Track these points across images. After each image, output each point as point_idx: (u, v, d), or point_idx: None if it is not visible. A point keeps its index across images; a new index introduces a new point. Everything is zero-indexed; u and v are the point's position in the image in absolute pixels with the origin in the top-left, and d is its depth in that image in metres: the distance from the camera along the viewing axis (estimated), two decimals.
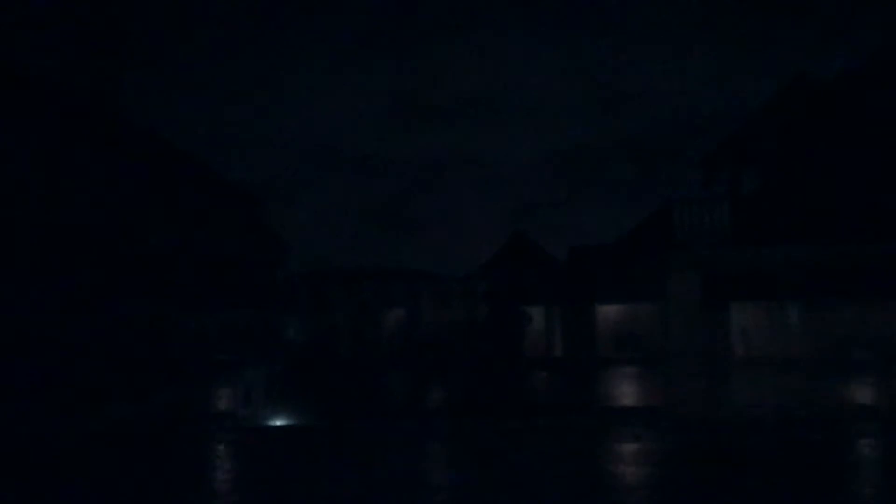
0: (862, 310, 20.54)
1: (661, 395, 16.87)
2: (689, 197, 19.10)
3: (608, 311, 30.85)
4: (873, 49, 27.31)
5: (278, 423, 18.81)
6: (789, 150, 24.37)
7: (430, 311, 40.43)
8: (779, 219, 21.67)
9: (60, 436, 14.70)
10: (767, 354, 21.06)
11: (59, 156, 17.42)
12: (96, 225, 18.50)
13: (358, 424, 16.00)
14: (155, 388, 19.25)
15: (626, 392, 20.47)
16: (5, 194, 15.60)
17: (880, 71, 26.13)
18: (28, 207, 16.20)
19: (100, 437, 14.69)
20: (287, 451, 12.96)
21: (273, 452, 12.97)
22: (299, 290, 41.87)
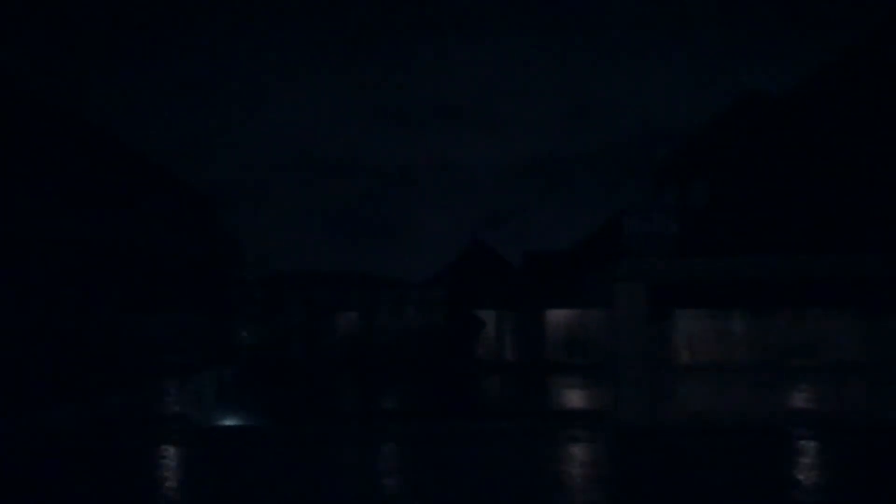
0: (802, 319, 21.20)
1: (606, 399, 17.26)
2: (637, 207, 19.56)
3: (559, 317, 31.30)
4: (819, 67, 28.17)
5: (229, 424, 18.84)
6: (736, 164, 25.07)
7: (385, 316, 40.57)
8: (724, 230, 22.32)
9: None
10: (711, 361, 21.58)
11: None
12: (40, 224, 18.35)
13: (309, 427, 16.11)
14: (103, 390, 19.13)
15: (572, 396, 20.86)
16: None
17: (826, 89, 26.97)
18: None
19: (40, 439, 14.60)
20: (237, 453, 13.04)
21: (224, 454, 13.04)
22: (255, 293, 41.70)
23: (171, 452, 13.11)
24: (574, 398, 20.56)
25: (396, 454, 13.03)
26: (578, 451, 12.60)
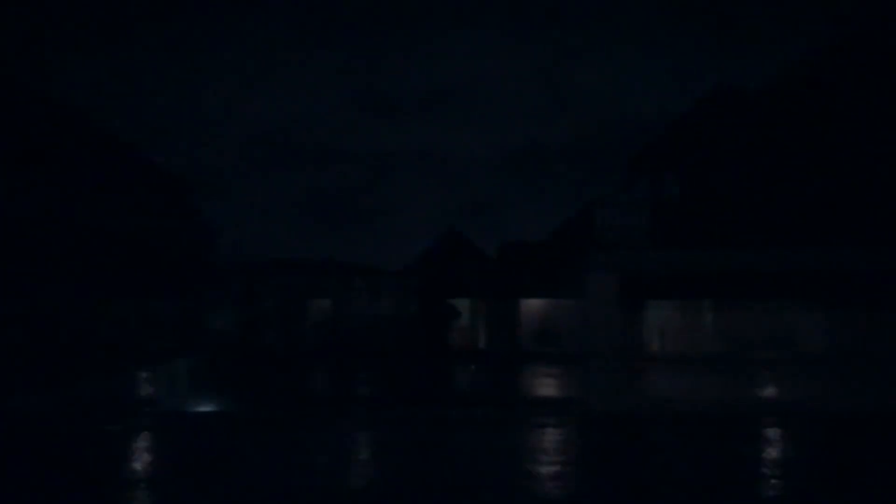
0: (770, 311, 21.55)
1: (578, 388, 17.50)
2: (611, 199, 19.77)
3: (532, 306, 31.54)
4: (793, 62, 28.49)
5: (201, 410, 18.83)
6: (709, 157, 25.35)
7: (359, 304, 40.60)
8: (697, 222, 22.58)
9: None
10: (680, 352, 21.90)
11: None
12: (3, 208, 18.14)
13: (281, 413, 16.18)
14: (74, 377, 19.04)
15: (544, 385, 21.08)
16: None
17: (797, 84, 27.29)
18: None
19: (11, 426, 14.55)
20: (209, 439, 13.09)
21: (196, 440, 13.09)
22: (229, 279, 41.55)
23: (143, 438, 13.14)
24: (546, 387, 20.78)
25: (368, 441, 13.15)
26: (549, 438, 12.79)
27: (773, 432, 13.50)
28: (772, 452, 12.19)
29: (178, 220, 29.32)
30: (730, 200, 24.95)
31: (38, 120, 19.77)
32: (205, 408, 19.21)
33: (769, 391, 17.67)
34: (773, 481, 10.26)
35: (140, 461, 11.44)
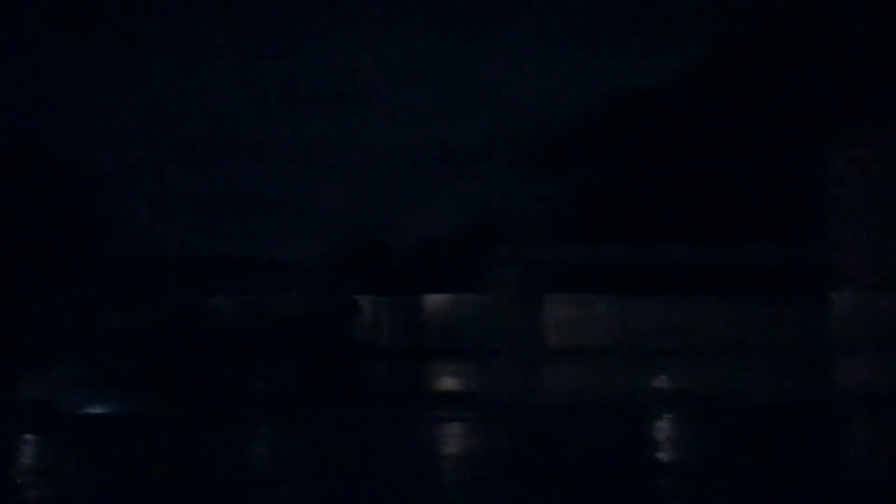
0: (664, 303, 22.28)
1: (479, 381, 17.69)
2: (514, 195, 20.08)
3: (436, 301, 31.68)
4: (697, 63, 29.50)
5: (95, 411, 18.23)
6: (608, 156, 26.03)
7: (263, 300, 39.95)
8: (595, 220, 23.17)
9: None
10: (579, 344, 22.39)
11: None
12: None
13: (181, 412, 15.82)
14: None
15: (447, 379, 21.24)
16: None
17: (691, 86, 28.28)
18: None
19: None
20: (103, 440, 12.71)
21: (89, 440, 12.69)
22: (131, 277, 40.29)
23: (34, 440, 12.66)
24: (449, 381, 20.94)
25: (270, 438, 13.00)
26: (450, 432, 12.89)
27: (665, 421, 13.97)
28: (669, 441, 12.65)
29: (77, 217, 28.28)
30: (629, 198, 25.65)
31: None
32: (101, 409, 18.60)
33: (663, 381, 18.24)
34: (670, 468, 10.63)
35: (30, 463, 11.03)
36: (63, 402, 20.64)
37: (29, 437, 12.95)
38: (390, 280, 32.80)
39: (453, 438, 12.44)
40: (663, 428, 13.61)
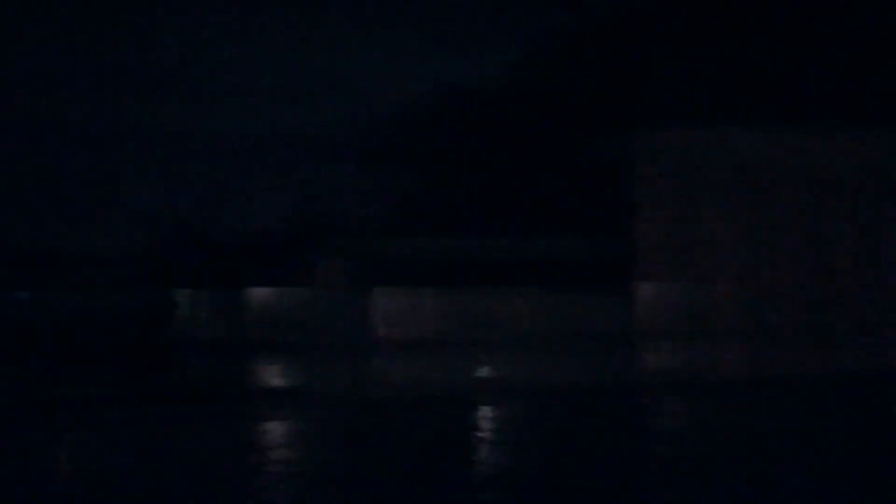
0: (490, 295, 22.99)
1: (308, 376, 17.52)
2: (342, 188, 20.01)
3: (262, 295, 31.05)
4: (521, 61, 30.46)
5: None
6: (433, 151, 26.47)
7: (69, 296, 37.60)
8: (422, 213, 23.52)
9: None
10: (408, 336, 22.66)
11: None
12: None
13: None
14: None
15: (274, 374, 20.89)
16: None
17: (524, 80, 29.24)
18: None
19: None
20: None
21: None
22: None
23: None
24: (276, 376, 20.61)
25: (80, 441, 12.31)
26: (276, 429, 12.73)
27: (490, 409, 14.45)
28: (494, 430, 13.11)
29: None
30: (453, 192, 26.24)
31: None
32: None
33: (492, 371, 18.79)
34: (497, 457, 11.02)
35: None
36: None
37: None
38: (213, 273, 31.78)
39: (271, 435, 12.27)
40: (486, 416, 14.08)
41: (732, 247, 23.81)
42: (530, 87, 28.74)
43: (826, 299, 23.50)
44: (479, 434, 12.47)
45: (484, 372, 18.77)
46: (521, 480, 9.29)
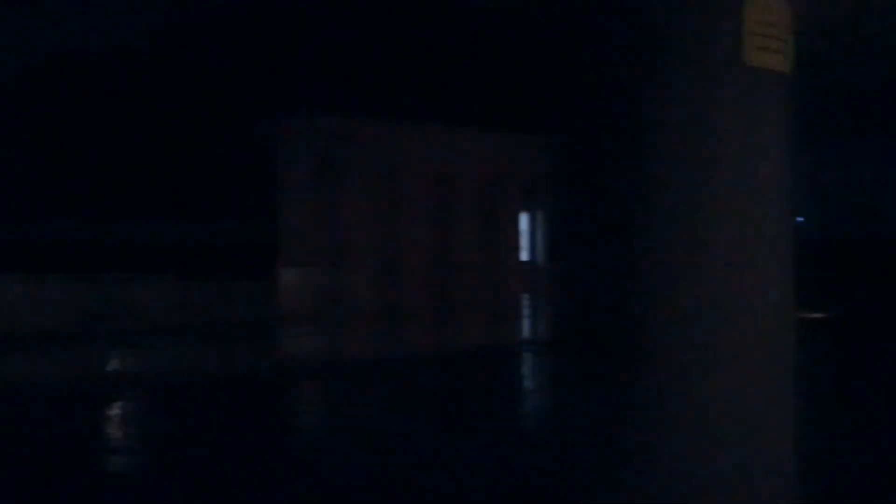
0: (118, 282, 21.82)
1: None
2: None
3: None
4: (161, 28, 29.00)
5: None
6: (49, 125, 24.29)
7: None
8: (40, 192, 21.49)
9: None
10: (27, 328, 20.76)
11: None
12: None
13: None
14: None
15: None
16: None
17: (167, 53, 27.88)
18: None
19: None
20: None
21: None
22: None
23: None
24: None
25: None
26: None
27: (127, 402, 13.87)
28: (115, 420, 12.49)
29: None
30: (85, 172, 24.35)
31: None
32: None
33: (119, 364, 17.89)
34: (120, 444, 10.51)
35: None
36: None
37: None
38: None
39: None
40: (116, 410, 13.48)
41: (368, 233, 25.01)
42: (177, 61, 27.61)
43: (450, 282, 25.63)
44: (107, 433, 11.87)
45: (114, 365, 17.86)
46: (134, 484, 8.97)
